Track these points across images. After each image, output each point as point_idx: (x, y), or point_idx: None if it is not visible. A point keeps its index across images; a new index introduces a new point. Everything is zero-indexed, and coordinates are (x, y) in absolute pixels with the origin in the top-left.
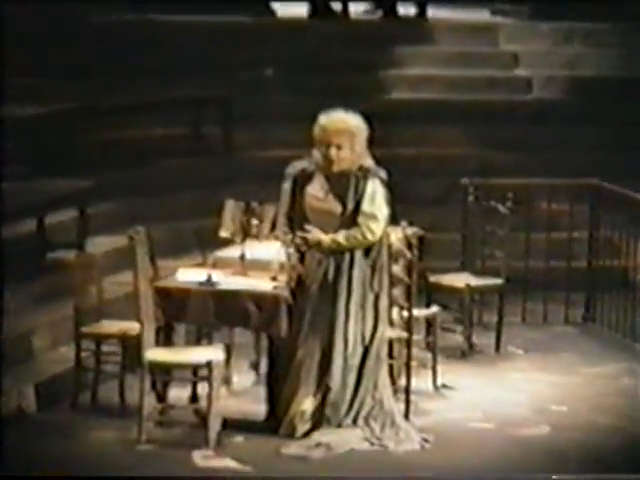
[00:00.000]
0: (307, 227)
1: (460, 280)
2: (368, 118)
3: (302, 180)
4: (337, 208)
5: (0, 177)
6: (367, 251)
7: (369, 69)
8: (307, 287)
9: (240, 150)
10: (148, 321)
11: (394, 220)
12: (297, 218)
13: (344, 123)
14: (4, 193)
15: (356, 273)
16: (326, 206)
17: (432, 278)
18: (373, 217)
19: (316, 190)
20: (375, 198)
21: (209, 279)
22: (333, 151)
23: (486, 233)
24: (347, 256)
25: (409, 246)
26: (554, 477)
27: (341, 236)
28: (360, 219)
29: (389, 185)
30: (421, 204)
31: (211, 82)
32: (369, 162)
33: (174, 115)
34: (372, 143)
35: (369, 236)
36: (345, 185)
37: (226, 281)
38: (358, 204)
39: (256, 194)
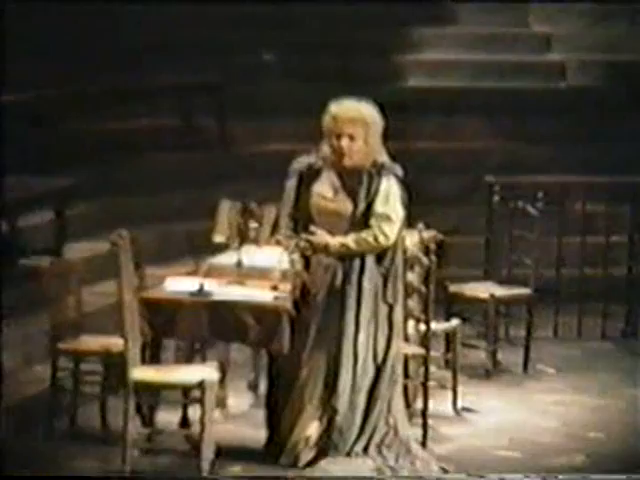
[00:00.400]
0: (313, 229)
1: (484, 290)
2: (382, 108)
3: (308, 177)
4: (347, 208)
5: None
6: (380, 257)
7: (383, 53)
8: (312, 297)
9: (237, 144)
10: (133, 336)
11: (410, 222)
12: (302, 220)
13: (358, 112)
14: None
15: (367, 282)
16: (335, 206)
17: (452, 287)
18: (387, 219)
19: (324, 188)
20: (389, 198)
21: (202, 289)
22: (345, 142)
23: (513, 237)
24: (357, 262)
25: (427, 251)
26: (560, 477)
27: (351, 239)
28: (372, 221)
29: (405, 183)
30: (441, 204)
31: (204, 67)
32: (384, 157)
33: (162, 104)
34: (387, 136)
35: (382, 240)
36: (357, 183)
37: (221, 291)
38: (370, 204)
39: (255, 193)
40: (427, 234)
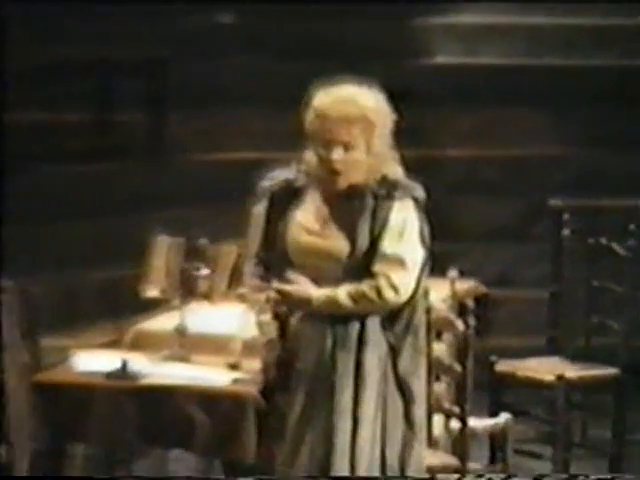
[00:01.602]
0: (291, 276)
1: (548, 369)
2: (394, 97)
3: (285, 200)
4: (341, 247)
5: None
6: (389, 318)
7: (396, 16)
8: (291, 378)
9: (178, 150)
10: (20, 442)
11: (436, 268)
12: (275, 262)
13: (355, 106)
14: None
15: (370, 356)
16: (323, 243)
17: (501, 365)
18: (399, 264)
19: (308, 217)
20: (404, 232)
21: (125, 368)
22: (338, 153)
23: (592, 289)
24: (355, 326)
25: (462, 311)
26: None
27: (345, 293)
28: (378, 266)
29: (428, 210)
30: (483, 241)
31: (131, 35)
32: (395, 170)
33: (66, 88)
34: (401, 140)
35: (390, 295)
36: (356, 209)
37: (154, 371)
38: (376, 241)
39: (205, 223)
40: (463, 285)
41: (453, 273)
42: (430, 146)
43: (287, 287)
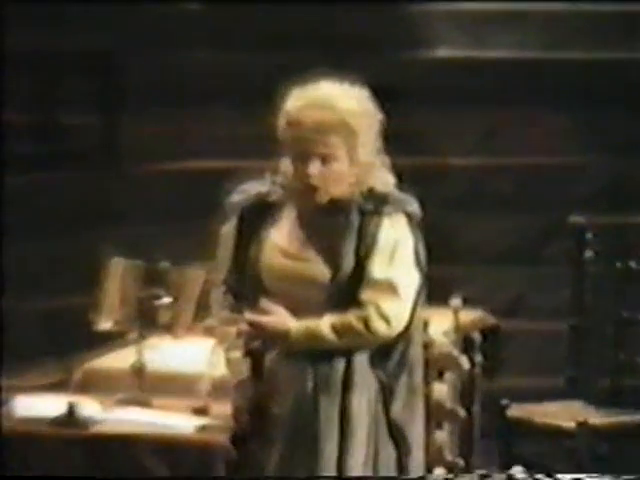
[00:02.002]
0: (265, 305)
1: (569, 414)
2: (382, 96)
3: (257, 218)
4: (322, 271)
5: None
6: (381, 355)
7: (387, 3)
8: (266, 424)
9: (134, 157)
10: None
11: (434, 295)
12: (247, 290)
13: (333, 110)
14: None
15: (358, 399)
16: (302, 267)
17: (513, 410)
18: (391, 289)
19: (284, 236)
20: (395, 253)
21: (73, 413)
22: (315, 166)
23: (620, 321)
24: (340, 363)
25: (467, 346)
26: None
27: (328, 324)
28: (366, 293)
29: (425, 226)
30: (490, 263)
31: (80, 23)
32: (385, 181)
33: (1, 86)
34: (393, 145)
35: (382, 327)
36: (339, 227)
37: (107, 417)
38: (362, 264)
39: (166, 243)
40: (467, 315)
41: (456, 301)
42: (429, 153)
43: (261, 318)
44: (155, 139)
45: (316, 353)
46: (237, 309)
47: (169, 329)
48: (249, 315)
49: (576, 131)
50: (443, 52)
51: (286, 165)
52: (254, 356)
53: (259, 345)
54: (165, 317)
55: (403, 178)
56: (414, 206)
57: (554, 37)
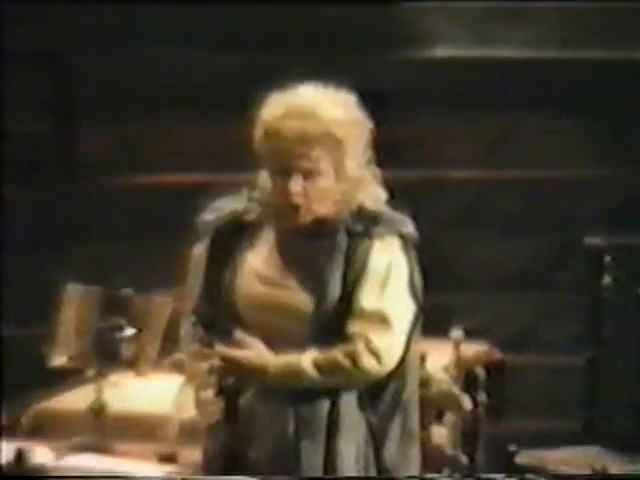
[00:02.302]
0: (240, 338)
1: (585, 460)
2: (372, 101)
3: (232, 239)
4: (306, 300)
5: None
6: (372, 395)
7: None
8: (241, 471)
9: (90, 170)
10: None
11: (430, 326)
12: (220, 320)
13: (316, 120)
14: None
15: (345, 445)
16: (283, 295)
17: (522, 456)
18: (382, 321)
19: (263, 261)
20: (388, 279)
21: (22, 460)
22: (296, 182)
23: None
24: (325, 406)
25: (469, 384)
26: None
27: (311, 360)
28: (355, 325)
29: (420, 249)
30: (495, 290)
31: (24, 22)
32: (376, 197)
33: None
34: (386, 156)
35: (372, 363)
36: (324, 250)
37: (62, 465)
38: (351, 291)
39: (130, 268)
40: (470, 349)
41: (457, 333)
42: (425, 165)
43: (236, 353)
44: (116, 149)
45: (298, 392)
46: (209, 342)
47: (132, 365)
48: (222, 348)
49: (591, 140)
50: (442, 51)
51: (265, 179)
52: (228, 395)
53: (233, 383)
54: (128, 351)
55: (395, 194)
56: (409, 227)
57: (569, 34)
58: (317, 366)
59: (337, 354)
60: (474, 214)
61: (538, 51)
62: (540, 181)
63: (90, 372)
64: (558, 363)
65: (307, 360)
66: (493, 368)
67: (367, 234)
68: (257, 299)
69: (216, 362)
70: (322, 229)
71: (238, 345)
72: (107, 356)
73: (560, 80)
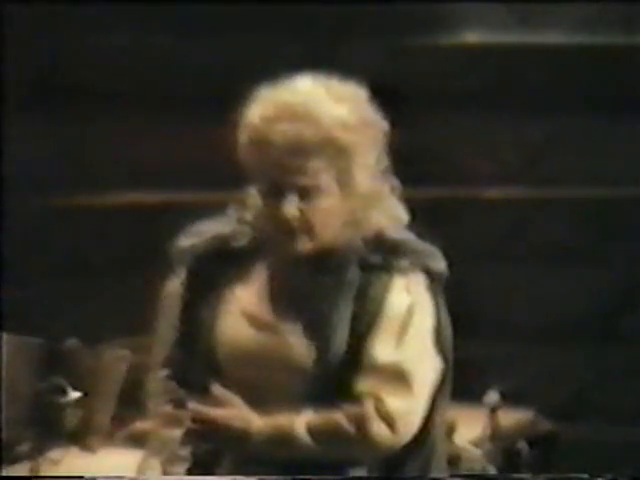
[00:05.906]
0: (217, 392)
1: None
2: (388, 97)
3: (215, 270)
4: (305, 348)
5: None
6: (388, 472)
7: None
8: None
9: (26, 187)
10: None
11: (464, 387)
12: (196, 371)
13: (315, 121)
14: None
15: None
16: (275, 342)
17: None
18: (399, 378)
19: (252, 298)
20: (409, 326)
21: None
22: (291, 202)
23: None
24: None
25: (509, 460)
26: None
27: (306, 423)
28: (364, 382)
29: (446, 287)
30: (541, 342)
31: None
32: (397, 219)
33: None
34: (397, 168)
35: (383, 431)
36: (329, 287)
37: None
38: (362, 339)
39: (75, 314)
40: (510, 417)
41: (493, 397)
42: (451, 181)
43: (213, 412)
44: (59, 161)
45: (288, 465)
46: (181, 402)
47: (77, 438)
48: (194, 405)
49: None
50: (473, 36)
51: (256, 198)
52: (202, 466)
53: (209, 450)
54: (72, 420)
55: (416, 216)
56: (438, 261)
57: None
58: (313, 431)
59: (340, 417)
60: (512, 243)
61: (593, 36)
62: (599, 201)
63: (24, 446)
64: (620, 435)
65: (301, 423)
66: (539, 441)
67: (385, 268)
68: (244, 346)
69: (187, 424)
70: (328, 260)
71: (215, 402)
72: (46, 426)
73: (625, 73)
